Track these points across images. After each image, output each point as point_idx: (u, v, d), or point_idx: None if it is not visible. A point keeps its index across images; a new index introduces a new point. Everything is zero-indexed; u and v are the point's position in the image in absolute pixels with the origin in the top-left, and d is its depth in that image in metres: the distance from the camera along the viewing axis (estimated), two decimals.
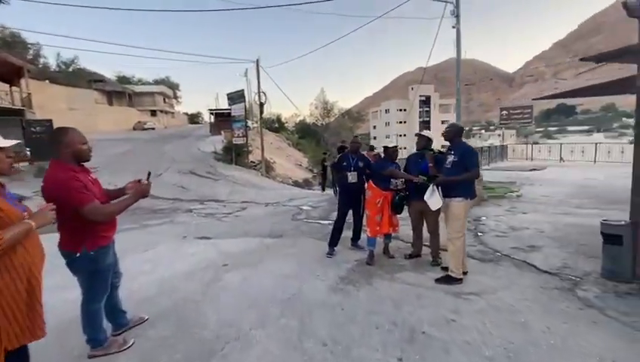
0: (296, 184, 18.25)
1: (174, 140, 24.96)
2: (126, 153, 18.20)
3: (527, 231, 5.32)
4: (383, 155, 4.35)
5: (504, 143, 19.16)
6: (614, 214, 6.15)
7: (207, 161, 17.76)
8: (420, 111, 66.06)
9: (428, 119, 66.43)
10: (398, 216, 4.24)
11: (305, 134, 42.53)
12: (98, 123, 31.88)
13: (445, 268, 3.77)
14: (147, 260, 4.52)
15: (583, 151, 17.61)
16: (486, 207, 7.26)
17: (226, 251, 4.80)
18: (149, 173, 2.39)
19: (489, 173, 12.04)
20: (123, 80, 50.24)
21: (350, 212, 4.57)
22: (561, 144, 18.00)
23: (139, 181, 2.39)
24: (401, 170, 4.17)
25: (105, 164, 14.07)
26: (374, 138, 62.52)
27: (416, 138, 4.10)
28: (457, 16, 10.78)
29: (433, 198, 3.49)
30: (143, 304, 3.15)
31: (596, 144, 16.64)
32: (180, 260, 4.46)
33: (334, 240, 4.52)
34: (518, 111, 18.17)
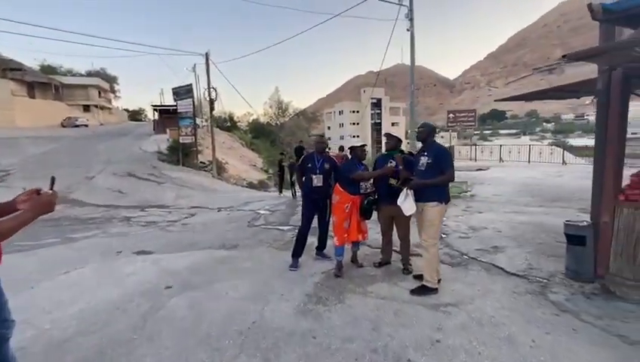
0: (251, 186, 17.41)
1: (111, 138, 22.44)
2: (48, 153, 15.80)
3: (487, 232, 5.38)
4: (350, 156, 4.02)
5: (451, 145, 20.20)
6: (560, 212, 6.59)
7: (149, 162, 16.12)
8: (371, 114, 68.20)
9: (379, 121, 68.80)
10: (367, 221, 3.93)
11: (259, 134, 41.32)
12: (16, 118, 27.63)
13: (418, 277, 3.55)
14: (68, 286, 3.67)
15: (519, 152, 19.50)
16: None
17: (171, 269, 4.10)
18: (53, 179, 1.71)
19: None
20: (48, 70, 44.23)
21: (315, 218, 4.16)
22: (500, 146, 19.50)
23: (37, 191, 1.70)
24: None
25: (20, 166, 12.00)
26: (329, 139, 63.18)
27: (385, 138, 3.84)
28: (411, 20, 10.98)
29: (407, 203, 3.23)
30: (56, 350, 2.42)
31: (529, 146, 18.30)
32: (112, 284, 3.68)
33: (298, 250, 4.08)
34: (464, 114, 19.34)
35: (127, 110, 59.99)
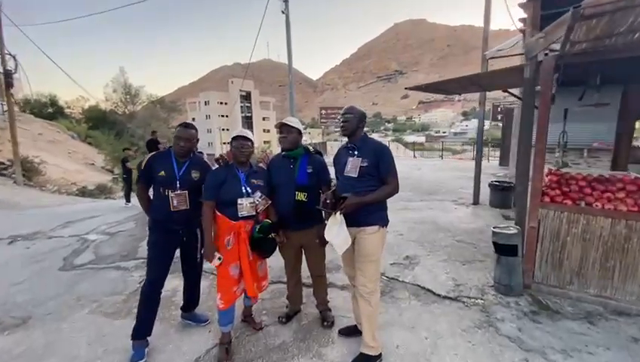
0: (84, 193, 12.98)
1: None
2: None
3: (390, 236, 4.84)
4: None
5: (323, 141, 20.66)
6: (440, 205, 6.81)
7: None
8: (241, 107, 65.46)
9: (250, 115, 66.88)
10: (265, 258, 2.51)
11: (99, 124, 32.86)
12: None
13: (345, 331, 2.44)
14: None
15: None
16: None
17: None
18: None
19: None
20: None
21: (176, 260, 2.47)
22: (393, 140, 21.27)
23: None
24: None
25: None
26: None
27: (278, 130, 2.46)
28: (286, 1, 9.99)
29: (341, 236, 2.01)
30: None
31: (389, 141, 20.58)
32: None
33: (145, 322, 2.32)
34: (335, 111, 20.01)
35: None
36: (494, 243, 3.05)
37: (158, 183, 2.27)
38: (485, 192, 6.62)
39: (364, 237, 2.10)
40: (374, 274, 2.13)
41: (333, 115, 19.44)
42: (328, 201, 2.04)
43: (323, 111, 19.33)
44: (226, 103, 63.92)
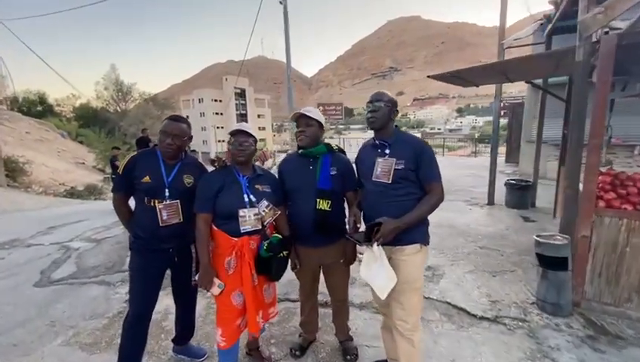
0: (72, 194, 12.38)
1: None
2: None
3: None
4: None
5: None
6: (451, 205, 6.32)
7: None
8: (236, 104, 64.58)
9: (245, 112, 66.02)
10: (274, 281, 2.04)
11: (90, 122, 32.04)
12: None
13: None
14: None
15: None
16: None
17: None
18: None
19: None
20: None
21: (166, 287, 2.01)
22: (365, 139, 21.04)
23: None
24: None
25: None
26: None
27: (295, 123, 2.00)
28: None
29: (381, 273, 1.55)
30: None
31: None
32: None
33: (129, 360, 1.86)
34: (332, 108, 19.53)
35: None
36: (539, 256, 2.62)
37: (141, 191, 1.80)
38: (499, 191, 6.22)
39: (402, 259, 1.66)
40: (416, 306, 1.69)
41: (330, 111, 18.94)
42: (360, 230, 1.57)
43: (320, 108, 18.82)
44: (220, 101, 63.01)
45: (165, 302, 2.79)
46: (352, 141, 22.58)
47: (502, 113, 14.28)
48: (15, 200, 9.50)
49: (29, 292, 3.40)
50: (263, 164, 16.15)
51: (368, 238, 1.56)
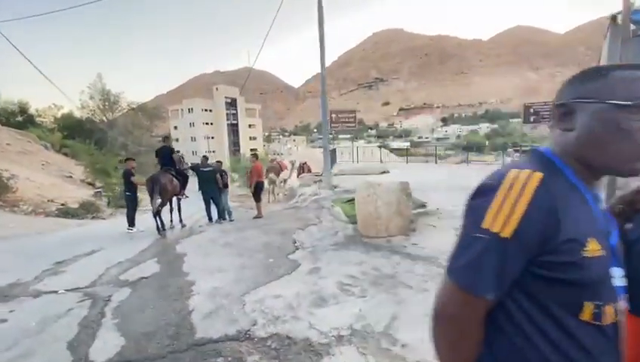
0: (66, 213, 10.79)
1: None
2: None
3: None
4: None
5: (336, 146, 19.58)
6: None
7: None
8: (227, 114, 63.13)
9: (236, 122, 64.57)
10: None
11: (74, 133, 30.04)
12: None
13: None
14: None
15: (372, 153, 21.71)
16: (425, 233, 5.12)
17: None
18: None
19: (350, 179, 10.59)
20: None
21: None
22: (380, 147, 20.25)
23: None
24: None
25: None
26: (176, 140, 53.69)
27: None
28: None
29: None
30: None
31: (380, 148, 19.84)
32: None
33: None
34: (345, 114, 18.62)
35: None
36: None
37: (573, 287, 0.64)
38: None
39: None
40: None
41: (343, 118, 18.02)
42: None
43: (333, 115, 17.83)
44: (210, 110, 61.50)
45: None
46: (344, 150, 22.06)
47: (531, 119, 13.70)
48: (2, 223, 7.94)
49: None
50: (278, 176, 14.68)
51: None
